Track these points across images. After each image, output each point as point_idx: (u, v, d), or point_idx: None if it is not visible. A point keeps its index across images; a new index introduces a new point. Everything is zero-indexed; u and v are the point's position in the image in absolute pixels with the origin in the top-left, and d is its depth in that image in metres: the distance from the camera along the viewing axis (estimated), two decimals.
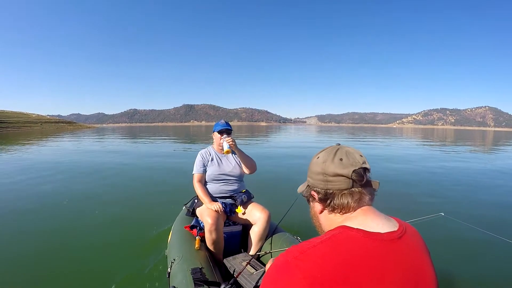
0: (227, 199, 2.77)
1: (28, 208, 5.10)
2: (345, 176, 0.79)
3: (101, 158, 11.95)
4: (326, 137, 33.37)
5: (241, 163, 2.86)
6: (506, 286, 2.86)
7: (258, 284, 1.92)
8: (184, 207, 3.06)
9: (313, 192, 0.87)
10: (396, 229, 0.75)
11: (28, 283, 2.79)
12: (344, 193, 0.80)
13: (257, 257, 2.48)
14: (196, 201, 2.84)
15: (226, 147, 2.66)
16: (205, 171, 2.79)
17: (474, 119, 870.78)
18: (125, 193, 6.21)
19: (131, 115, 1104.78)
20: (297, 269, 0.64)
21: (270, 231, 2.62)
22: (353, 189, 0.80)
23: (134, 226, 4.24)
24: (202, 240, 2.49)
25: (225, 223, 2.66)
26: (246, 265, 2.12)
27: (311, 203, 0.93)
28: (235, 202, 2.74)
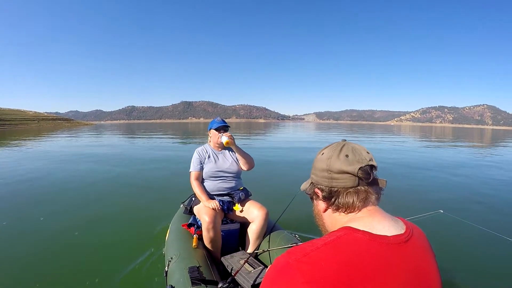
0: (224, 197, 2.74)
1: (23, 205, 5.07)
2: (351, 174, 0.75)
3: (96, 157, 11.86)
4: (324, 134, 33.39)
5: (238, 160, 2.85)
6: (504, 283, 2.86)
7: (256, 283, 1.90)
8: (182, 205, 3.04)
9: (316, 190, 0.84)
10: (403, 231, 0.72)
11: (25, 281, 2.77)
12: (350, 192, 0.76)
13: (255, 255, 2.47)
14: (193, 199, 2.82)
15: (225, 139, 2.66)
16: (202, 169, 2.77)
17: (472, 117, 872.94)
18: (121, 192, 6.17)
19: (129, 112, 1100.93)
20: (299, 273, 0.60)
21: (268, 229, 2.60)
22: (359, 187, 0.76)
23: (131, 225, 4.22)
24: (200, 238, 2.47)
25: (222, 221, 2.64)
26: (244, 263, 2.10)
27: (314, 201, 0.89)
28: (233, 199, 2.72)
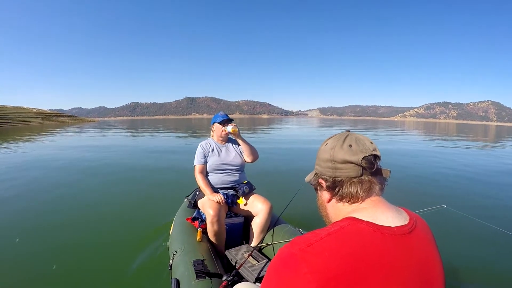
0: (228, 190, 2.75)
1: (27, 203, 5.13)
2: (355, 163, 0.75)
3: (100, 153, 11.92)
4: (327, 130, 33.30)
5: (242, 153, 2.86)
6: (508, 278, 2.85)
7: (260, 276, 1.92)
8: (186, 199, 3.05)
9: (320, 180, 0.84)
10: (406, 222, 0.72)
11: (32, 278, 2.81)
12: (353, 181, 0.76)
13: (259, 249, 2.48)
14: (197, 193, 2.83)
15: (230, 128, 2.69)
16: (206, 162, 2.78)
17: (476, 114, 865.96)
18: (127, 186, 6.21)
19: (133, 108, 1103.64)
20: (304, 263, 0.60)
21: (272, 223, 2.61)
22: (362, 177, 0.76)
23: (136, 219, 4.25)
24: (204, 232, 2.49)
25: (226, 214, 2.65)
26: (248, 256, 2.11)
27: (318, 192, 0.89)
28: (237, 193, 2.73)
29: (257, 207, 2.58)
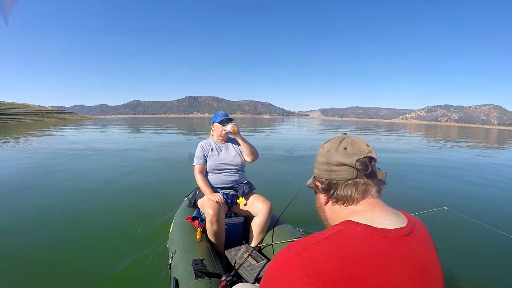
0: (228, 190, 2.74)
1: (26, 201, 5.13)
2: (349, 166, 0.75)
3: (99, 150, 11.93)
4: (329, 131, 33.28)
5: (241, 152, 2.85)
6: (508, 281, 2.84)
7: (259, 276, 1.91)
8: (186, 198, 3.04)
9: (317, 183, 0.84)
10: (404, 225, 0.71)
11: (28, 275, 2.80)
12: (348, 184, 0.76)
13: (259, 249, 2.47)
14: (197, 192, 2.82)
15: (230, 127, 2.68)
16: (205, 162, 2.77)
17: (478, 117, 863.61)
18: (126, 185, 6.20)
19: (134, 106, 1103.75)
20: (300, 267, 0.60)
21: (272, 223, 2.60)
22: (357, 179, 0.76)
23: (135, 218, 4.24)
24: (204, 231, 2.48)
25: (226, 214, 2.64)
26: (248, 257, 2.10)
27: (316, 194, 0.89)
28: (237, 193, 2.72)
29: (257, 207, 2.57)
